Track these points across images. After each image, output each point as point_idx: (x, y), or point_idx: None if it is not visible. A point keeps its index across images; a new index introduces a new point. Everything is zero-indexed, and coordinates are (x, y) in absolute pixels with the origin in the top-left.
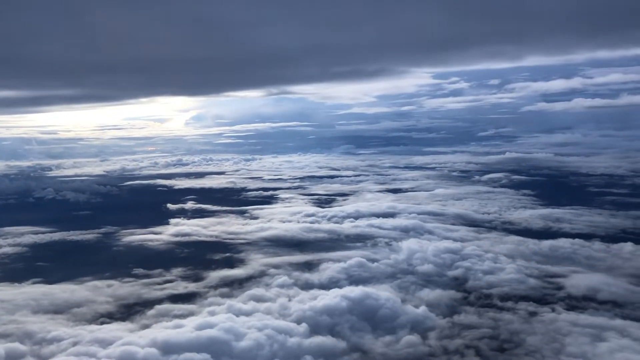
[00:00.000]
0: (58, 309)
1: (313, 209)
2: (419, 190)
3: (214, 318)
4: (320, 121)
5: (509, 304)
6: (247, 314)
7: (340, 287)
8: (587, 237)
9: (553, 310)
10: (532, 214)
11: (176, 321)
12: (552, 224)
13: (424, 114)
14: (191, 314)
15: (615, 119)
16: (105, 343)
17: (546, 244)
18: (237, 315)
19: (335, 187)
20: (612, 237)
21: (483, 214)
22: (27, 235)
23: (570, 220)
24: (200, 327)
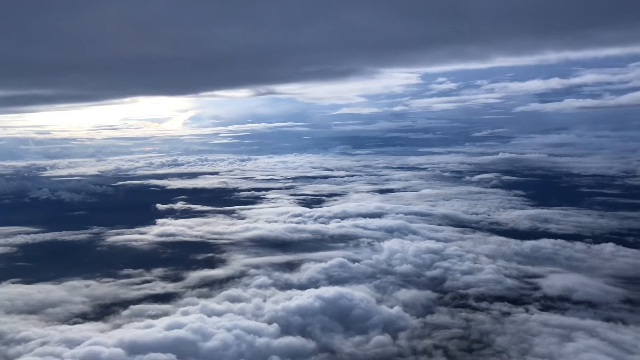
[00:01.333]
0: (32, 309)
1: (300, 209)
2: (410, 191)
3: (184, 318)
4: (316, 122)
5: (484, 304)
6: (220, 314)
7: (319, 287)
8: (572, 237)
9: (527, 310)
10: (520, 215)
11: (148, 321)
12: (539, 224)
13: (419, 115)
14: (165, 314)
15: (611, 119)
16: (73, 343)
17: (528, 244)
18: (210, 316)
19: (326, 188)
20: (598, 238)
21: (471, 214)
22: (20, 235)
23: (558, 221)
24: (170, 328)
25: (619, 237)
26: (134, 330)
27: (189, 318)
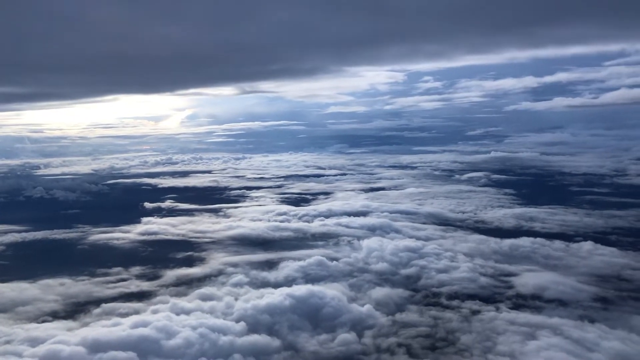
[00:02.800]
0: (2, 308)
1: (286, 208)
2: (398, 189)
3: (151, 317)
4: (311, 120)
5: (455, 302)
6: (188, 312)
7: (295, 285)
8: (556, 236)
9: (497, 309)
10: (506, 213)
11: (115, 319)
12: (524, 223)
13: (413, 114)
14: (136, 312)
15: (605, 118)
16: (37, 342)
17: (507, 243)
18: (178, 314)
19: (316, 186)
20: (582, 236)
21: (458, 212)
22: (10, 234)
23: (544, 219)
24: (135, 326)
25: (603, 236)
26: (99, 329)
27: (156, 316)
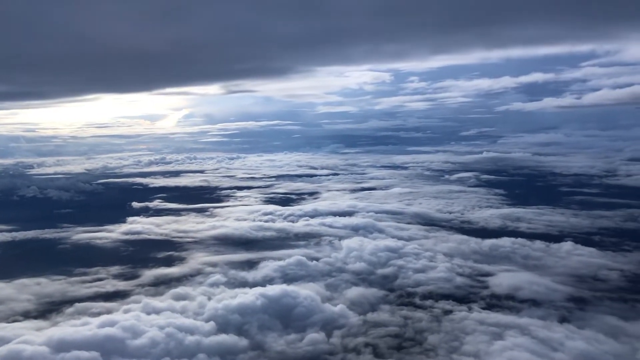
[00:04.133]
0: None
1: (272, 208)
2: (388, 189)
3: (119, 316)
4: (306, 120)
5: (429, 302)
6: (159, 312)
7: (273, 285)
8: (540, 236)
9: (470, 309)
10: (493, 214)
11: (85, 319)
12: (510, 223)
13: (409, 113)
14: (109, 312)
15: (600, 118)
16: (3, 342)
17: (487, 243)
18: (149, 314)
19: (305, 186)
20: (566, 237)
21: (445, 213)
22: (1, 233)
23: (531, 219)
24: (103, 325)
25: (587, 236)
26: (66, 328)
27: (124, 316)
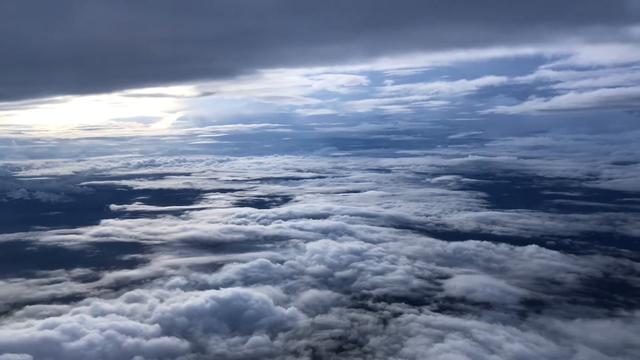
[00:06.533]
0: None
1: (247, 210)
2: (369, 192)
3: (62, 318)
4: (297, 123)
5: (381, 304)
6: (106, 314)
7: (232, 288)
8: (511, 239)
9: (420, 311)
10: (469, 217)
11: (29, 321)
12: (484, 226)
13: (399, 117)
14: (59, 314)
15: (589, 122)
16: None
17: (452, 245)
18: (96, 316)
19: (286, 189)
20: (537, 240)
21: (422, 215)
22: None
23: (506, 222)
24: (44, 327)
25: (558, 239)
26: (4, 331)
27: (68, 318)
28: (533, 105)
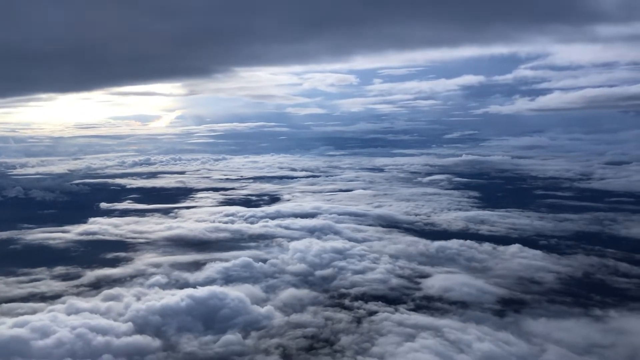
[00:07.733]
0: None
1: (235, 209)
2: (359, 191)
3: (34, 317)
4: (293, 122)
5: (357, 303)
6: (79, 312)
7: (212, 286)
8: (497, 239)
9: (396, 310)
10: (458, 216)
11: (3, 319)
12: (473, 226)
13: (396, 116)
14: (35, 312)
15: (584, 122)
16: None
17: (435, 245)
18: (70, 314)
19: (278, 188)
20: (524, 239)
21: (412, 215)
22: None
23: (494, 222)
24: (15, 326)
25: (545, 239)
26: None
27: (40, 316)
28: (523, 105)
